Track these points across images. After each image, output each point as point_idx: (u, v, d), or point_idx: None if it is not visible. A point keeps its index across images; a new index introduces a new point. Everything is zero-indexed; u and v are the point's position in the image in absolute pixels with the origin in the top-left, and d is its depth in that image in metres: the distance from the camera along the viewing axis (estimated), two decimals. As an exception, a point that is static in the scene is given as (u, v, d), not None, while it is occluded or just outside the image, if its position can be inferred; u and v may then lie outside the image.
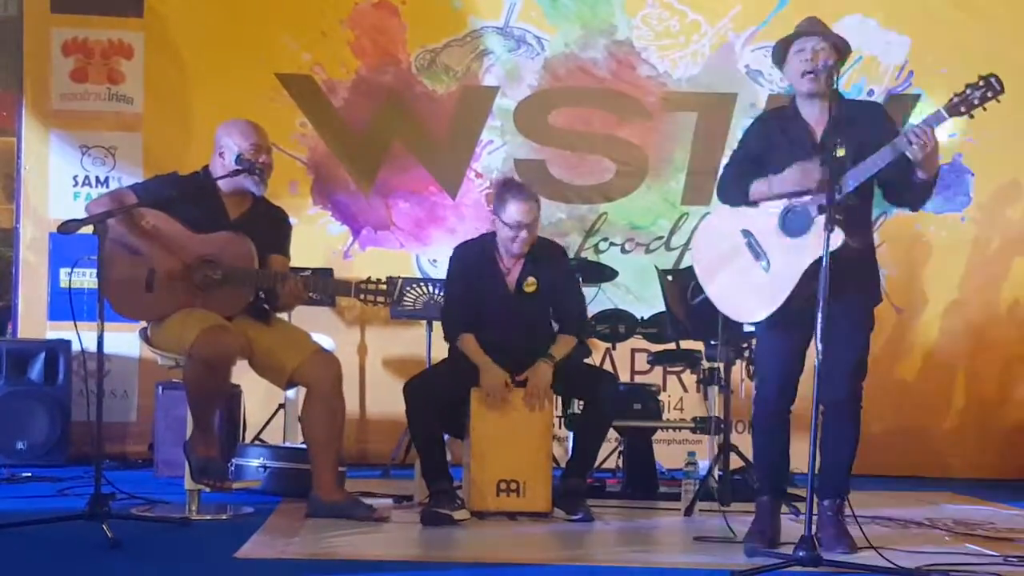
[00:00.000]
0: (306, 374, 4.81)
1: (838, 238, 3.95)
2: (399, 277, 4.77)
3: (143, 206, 4.61)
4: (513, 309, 5.12)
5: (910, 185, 4.13)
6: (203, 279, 4.67)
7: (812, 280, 4.03)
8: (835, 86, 4.09)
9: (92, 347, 4.27)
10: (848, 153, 4.04)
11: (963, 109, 3.98)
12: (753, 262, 4.28)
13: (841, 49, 4.27)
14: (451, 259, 5.28)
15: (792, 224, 4.21)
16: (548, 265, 5.18)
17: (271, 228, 4.91)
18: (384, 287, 4.69)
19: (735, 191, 4.38)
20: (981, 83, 3.97)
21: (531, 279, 5.15)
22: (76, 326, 4.65)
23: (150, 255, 4.66)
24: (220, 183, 4.78)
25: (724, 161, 4.69)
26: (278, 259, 4.86)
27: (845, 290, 4.04)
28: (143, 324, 4.86)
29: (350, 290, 4.71)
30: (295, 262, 5.03)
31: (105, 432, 4.44)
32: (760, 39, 7.20)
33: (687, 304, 5.44)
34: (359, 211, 7.19)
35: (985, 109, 3.98)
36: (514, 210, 5.02)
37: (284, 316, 6.06)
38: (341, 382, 4.85)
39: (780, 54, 4.34)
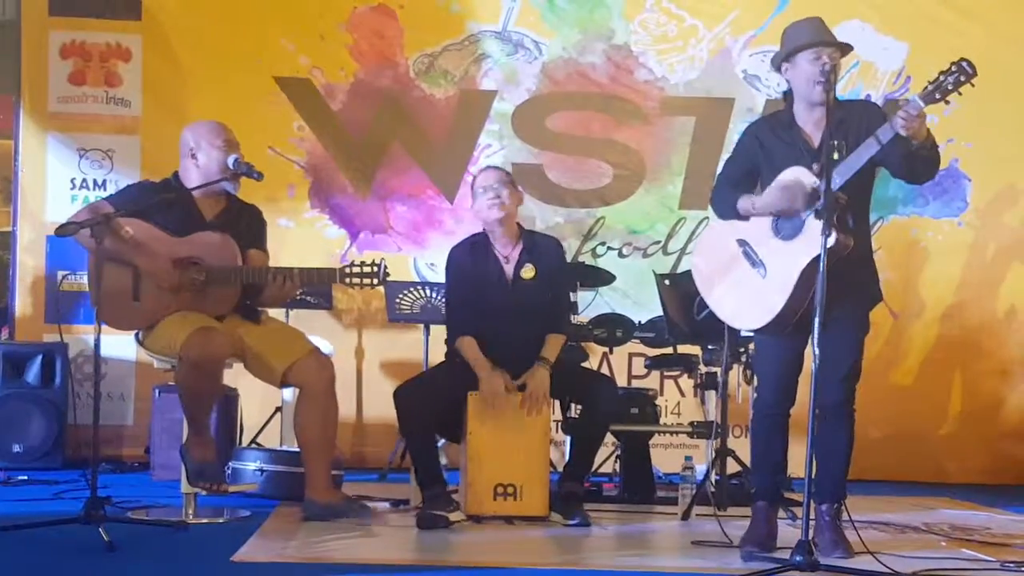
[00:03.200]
0: (299, 375, 4.80)
1: (830, 237, 3.95)
2: (383, 259, 4.77)
3: (121, 215, 4.59)
4: (513, 298, 5.12)
5: (912, 156, 4.10)
6: (189, 281, 4.67)
7: (809, 282, 4.04)
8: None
9: (88, 350, 4.26)
10: (843, 155, 4.04)
11: (938, 96, 3.97)
12: (751, 270, 4.28)
13: (844, 56, 4.30)
14: (448, 261, 5.27)
15: (784, 227, 4.22)
16: (544, 254, 5.20)
17: (248, 225, 4.91)
18: (369, 268, 4.69)
19: (725, 206, 4.40)
20: (953, 68, 3.96)
21: (529, 265, 5.15)
22: (60, 330, 4.64)
23: (134, 263, 4.65)
24: (191, 186, 4.78)
25: (721, 167, 4.69)
26: (256, 254, 4.86)
27: (841, 293, 4.04)
28: (136, 329, 4.86)
29: (336, 276, 4.71)
30: (294, 265, 5.02)
31: (102, 435, 4.43)
32: (758, 44, 7.21)
33: (685, 309, 5.43)
34: (357, 214, 7.19)
35: (960, 93, 3.97)
36: (481, 179, 5.16)
37: (281, 318, 6.10)
38: (334, 384, 4.84)
39: (787, 54, 4.31)
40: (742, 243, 4.31)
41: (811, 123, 4.27)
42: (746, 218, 4.34)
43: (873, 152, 4.03)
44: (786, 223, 4.21)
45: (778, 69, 4.39)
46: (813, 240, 3.97)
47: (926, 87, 3.99)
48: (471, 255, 5.19)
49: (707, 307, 4.47)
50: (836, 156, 3.96)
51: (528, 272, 5.15)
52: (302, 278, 4.75)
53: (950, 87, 3.95)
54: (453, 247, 5.34)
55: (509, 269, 5.16)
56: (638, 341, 6.19)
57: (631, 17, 7.28)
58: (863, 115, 4.26)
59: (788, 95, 4.39)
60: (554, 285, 5.21)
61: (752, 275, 4.28)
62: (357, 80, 7.19)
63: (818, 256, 3.89)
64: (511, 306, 5.10)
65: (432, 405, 4.99)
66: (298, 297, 6.44)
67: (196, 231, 4.75)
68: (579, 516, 4.90)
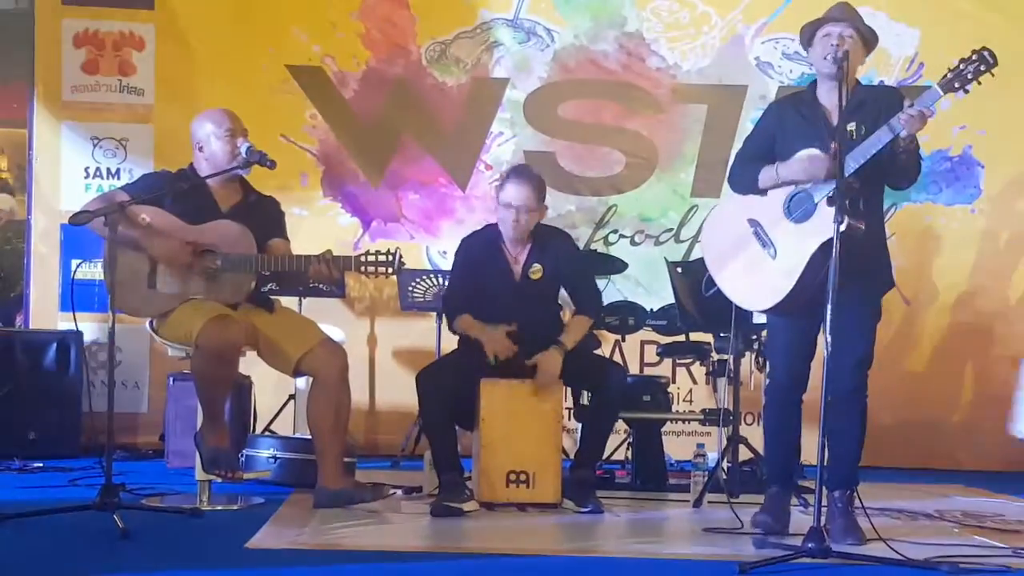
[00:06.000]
0: (312, 364, 4.81)
1: (842, 223, 3.95)
2: (398, 248, 4.78)
3: (136, 203, 4.60)
4: (520, 297, 5.13)
5: (894, 157, 4.11)
6: (203, 269, 4.68)
7: (818, 266, 4.04)
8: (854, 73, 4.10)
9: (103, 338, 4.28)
10: (861, 135, 4.04)
11: (957, 84, 3.97)
12: (761, 251, 4.29)
13: (868, 40, 4.28)
14: (458, 249, 5.30)
15: (796, 209, 4.22)
16: (554, 251, 5.19)
17: (265, 216, 4.91)
18: (385, 257, 4.70)
19: (745, 178, 4.40)
20: (974, 57, 3.96)
21: (536, 266, 5.16)
22: (75, 318, 4.68)
23: (149, 251, 4.66)
24: (206, 176, 4.78)
25: (735, 150, 4.70)
26: (279, 243, 4.87)
27: (853, 279, 4.03)
28: (150, 317, 4.88)
29: (351, 264, 4.71)
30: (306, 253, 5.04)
31: (116, 423, 4.46)
32: (770, 31, 7.20)
33: (697, 296, 5.44)
34: (369, 203, 7.20)
35: (980, 83, 3.96)
36: (509, 191, 5.08)
37: (294, 305, 6.11)
38: (347, 372, 4.84)
39: (807, 37, 4.33)
40: (753, 223, 4.32)
41: (831, 102, 4.25)
42: (762, 193, 4.34)
43: (886, 140, 4.03)
44: (798, 205, 4.22)
45: (807, 52, 4.41)
46: (824, 224, 3.97)
47: (945, 75, 3.99)
48: (481, 249, 5.19)
49: (715, 285, 4.48)
50: (853, 137, 3.96)
51: (536, 273, 5.15)
52: (322, 264, 4.74)
53: (970, 76, 3.95)
54: (466, 236, 5.36)
55: (517, 269, 5.17)
56: (650, 329, 6.20)
57: (643, 5, 7.26)
58: (882, 99, 4.26)
59: (812, 83, 4.41)
60: (574, 277, 5.23)
61: (762, 256, 4.28)
62: (369, 68, 7.20)
63: (828, 240, 3.89)
64: (516, 305, 5.11)
65: (453, 388, 5.00)
66: (311, 285, 6.46)
67: (212, 220, 4.76)
68: (591, 503, 4.91)
